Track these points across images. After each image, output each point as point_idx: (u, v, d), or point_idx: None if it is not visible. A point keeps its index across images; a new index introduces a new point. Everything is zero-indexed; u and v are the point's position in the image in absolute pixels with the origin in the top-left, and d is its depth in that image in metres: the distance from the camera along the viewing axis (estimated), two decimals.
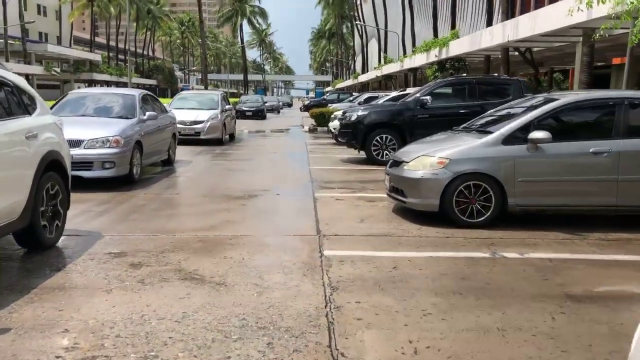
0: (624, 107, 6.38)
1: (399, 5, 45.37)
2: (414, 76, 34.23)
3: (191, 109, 16.28)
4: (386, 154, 11.99)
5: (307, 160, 12.90)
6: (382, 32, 48.10)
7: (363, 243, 5.63)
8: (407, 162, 6.76)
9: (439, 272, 4.73)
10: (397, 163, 6.99)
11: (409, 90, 17.09)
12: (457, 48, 21.93)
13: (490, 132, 6.64)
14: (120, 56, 73.30)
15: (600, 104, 6.65)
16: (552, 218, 6.59)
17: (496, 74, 13.57)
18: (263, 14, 77.35)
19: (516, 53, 19.67)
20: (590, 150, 6.25)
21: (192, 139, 15.56)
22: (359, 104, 27.75)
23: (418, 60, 28.16)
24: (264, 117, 33.90)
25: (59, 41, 65.17)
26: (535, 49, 19.31)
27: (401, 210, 7.04)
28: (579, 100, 6.61)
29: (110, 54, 70.98)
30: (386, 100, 17.12)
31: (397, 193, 6.88)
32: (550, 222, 6.47)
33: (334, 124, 17.39)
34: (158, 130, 10.58)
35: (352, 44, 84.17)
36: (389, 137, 12.05)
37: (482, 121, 7.63)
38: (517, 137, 6.38)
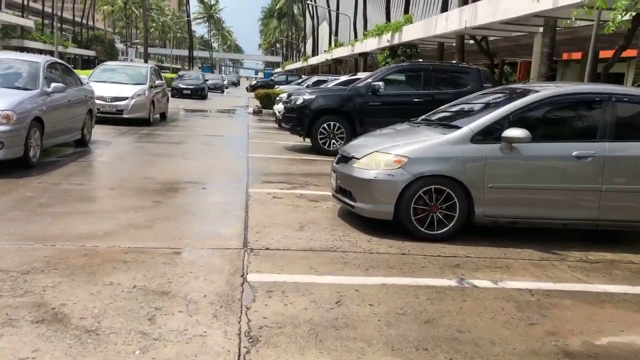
0: (611, 104, 5.44)
1: None
2: (365, 61, 33.21)
3: (115, 82, 14.53)
4: (334, 144, 10.87)
5: (247, 146, 11.59)
6: (333, 15, 46.77)
7: (300, 262, 4.44)
8: (358, 159, 5.60)
9: (395, 310, 3.61)
10: (346, 159, 5.83)
11: (360, 75, 15.99)
12: (410, 33, 20.96)
13: (457, 127, 5.56)
14: (59, 24, 68.79)
15: (585, 99, 5.68)
16: (524, 232, 5.62)
17: (454, 62, 12.63)
18: None
19: (471, 42, 18.89)
20: (573, 154, 5.28)
21: (113, 118, 13.88)
22: (307, 87, 26.63)
23: (369, 44, 27.09)
24: (204, 97, 30.01)
25: None
26: (491, 38, 18.57)
27: (348, 215, 5.90)
28: (562, 94, 5.62)
29: (47, 21, 66.45)
30: (335, 85, 15.95)
31: (344, 195, 5.73)
32: (522, 237, 5.50)
33: (279, 107, 16.08)
34: (68, 105, 9.00)
35: (303, 25, 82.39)
36: (338, 124, 10.89)
37: (446, 113, 6.56)
38: (489, 134, 5.34)
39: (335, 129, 10.90)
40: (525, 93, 5.74)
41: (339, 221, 5.80)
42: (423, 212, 5.27)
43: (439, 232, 5.28)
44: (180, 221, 5.51)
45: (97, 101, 13.63)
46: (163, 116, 16.74)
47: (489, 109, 5.75)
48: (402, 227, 5.28)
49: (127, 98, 13.91)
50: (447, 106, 6.85)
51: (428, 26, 18.71)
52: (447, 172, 5.27)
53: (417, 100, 10.92)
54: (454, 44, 21.15)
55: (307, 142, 11.33)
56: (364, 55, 31.43)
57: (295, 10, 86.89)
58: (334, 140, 10.90)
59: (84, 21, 75.40)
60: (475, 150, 5.31)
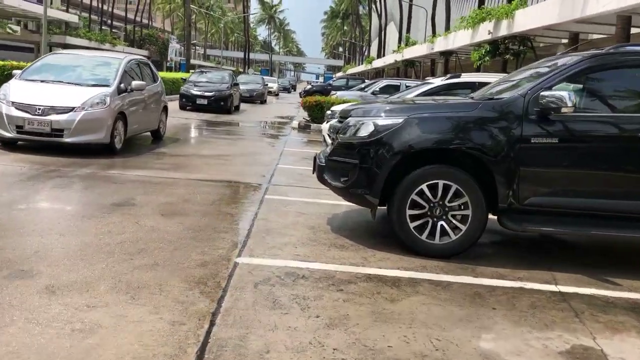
0: None
1: None
2: (446, 63, 26.72)
3: (59, 82, 8.83)
4: (444, 232, 4.69)
5: (252, 220, 5.55)
6: (404, 9, 40.21)
7: None
8: None
9: None
10: None
11: (483, 77, 9.60)
12: (528, 20, 14.41)
13: None
14: (113, 21, 65.69)
15: None
16: None
17: None
18: None
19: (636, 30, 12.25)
20: None
21: (50, 143, 8.22)
22: (374, 94, 20.32)
23: (458, 39, 20.62)
24: (228, 111, 19.70)
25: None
26: None
27: None
28: None
29: (103, 19, 63.33)
30: (422, 94, 9.72)
31: None
32: None
33: (328, 128, 10.01)
34: None
35: (368, 27, 76.05)
36: (454, 186, 4.66)
37: None
38: None
39: (448, 197, 4.67)
40: None
41: None
42: None
43: None
44: None
45: (20, 114, 8.14)
46: (156, 135, 11.01)
47: None
48: None
49: (72, 109, 8.18)
50: None
51: (568, 6, 12.11)
52: None
53: None
54: (596, 36, 14.55)
55: (382, 211, 5.15)
56: (446, 54, 24.96)
57: (361, 11, 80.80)
58: (443, 222, 4.69)
59: (139, 19, 72.21)
60: None
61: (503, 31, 15.99)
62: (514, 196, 4.66)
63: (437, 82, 9.86)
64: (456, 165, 4.76)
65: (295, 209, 6.09)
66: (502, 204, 4.69)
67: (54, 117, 8.09)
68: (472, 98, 5.60)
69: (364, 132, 4.89)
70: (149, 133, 10.90)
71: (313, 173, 5.57)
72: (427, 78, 15.65)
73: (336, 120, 5.78)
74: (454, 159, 4.80)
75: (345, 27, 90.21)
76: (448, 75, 10.15)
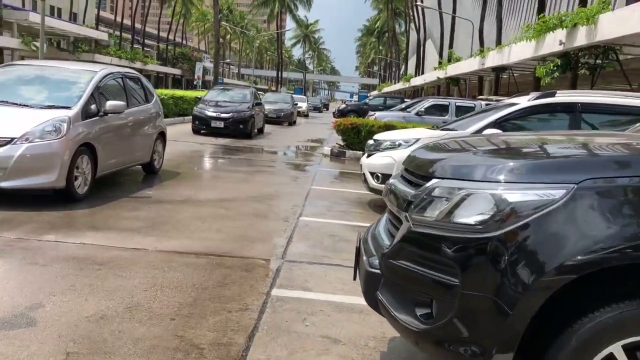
0: None
1: None
2: (497, 79, 23.85)
3: (2, 103, 6.37)
4: None
5: (241, 356, 2.95)
6: (446, 21, 37.42)
7: None
8: None
9: None
10: None
11: (576, 97, 6.83)
12: (621, 25, 11.54)
13: None
14: (147, 40, 64.93)
15: None
16: None
17: None
18: (307, 1, 67.54)
19: None
20: None
21: None
22: (418, 114, 17.74)
23: (518, 52, 17.76)
24: (249, 135, 16.84)
25: (73, 18, 57.14)
26: None
27: None
28: None
29: (137, 37, 62.50)
30: (501, 119, 7.04)
31: None
32: None
33: (370, 164, 7.36)
34: None
35: (405, 44, 73.32)
36: None
37: None
38: None
39: None
40: None
41: None
42: None
43: None
44: None
45: None
46: (149, 168, 8.57)
47: None
48: None
49: (10, 141, 5.76)
50: None
51: None
52: None
53: None
54: None
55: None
56: (499, 70, 22.09)
57: (397, 29, 78.29)
58: None
59: (173, 38, 71.48)
60: None
61: (580, 41, 13.12)
62: None
63: (523, 102, 7.11)
64: None
65: (322, 326, 3.45)
66: None
67: None
68: None
69: (471, 214, 2.21)
70: (140, 167, 8.49)
71: (354, 279, 2.91)
72: (506, 98, 12.92)
73: (399, 174, 3.08)
74: None
75: (380, 46, 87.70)
76: (536, 94, 7.39)
